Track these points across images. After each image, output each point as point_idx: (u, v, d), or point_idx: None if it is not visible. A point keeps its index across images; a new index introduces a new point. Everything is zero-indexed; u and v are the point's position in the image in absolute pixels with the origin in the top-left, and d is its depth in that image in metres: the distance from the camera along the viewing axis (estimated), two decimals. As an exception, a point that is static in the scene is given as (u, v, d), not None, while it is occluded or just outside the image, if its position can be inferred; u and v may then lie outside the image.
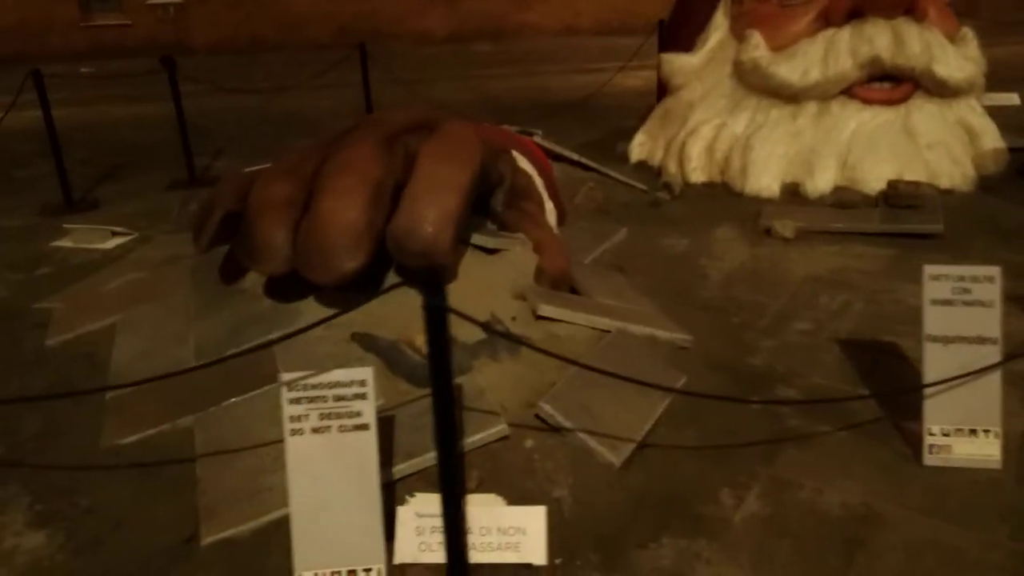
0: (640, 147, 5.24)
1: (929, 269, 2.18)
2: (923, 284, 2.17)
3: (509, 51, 14.26)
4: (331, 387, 1.77)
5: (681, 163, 4.77)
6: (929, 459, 2.16)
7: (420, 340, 2.48)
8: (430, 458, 2.07)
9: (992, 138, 4.64)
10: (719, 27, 4.90)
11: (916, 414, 2.21)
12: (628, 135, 6.14)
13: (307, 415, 1.77)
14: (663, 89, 5.42)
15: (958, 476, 2.10)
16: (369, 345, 2.56)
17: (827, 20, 4.49)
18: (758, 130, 4.56)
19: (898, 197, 4.06)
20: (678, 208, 4.41)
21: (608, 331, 2.69)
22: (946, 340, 2.16)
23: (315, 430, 1.77)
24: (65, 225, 4.23)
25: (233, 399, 2.44)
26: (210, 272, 3.19)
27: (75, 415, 2.47)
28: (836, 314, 3.11)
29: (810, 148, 4.44)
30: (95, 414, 2.45)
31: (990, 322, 2.16)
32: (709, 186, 4.69)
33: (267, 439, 2.20)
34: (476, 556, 1.86)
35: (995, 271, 2.17)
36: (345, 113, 7.92)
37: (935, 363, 2.16)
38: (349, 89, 7.79)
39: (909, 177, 4.27)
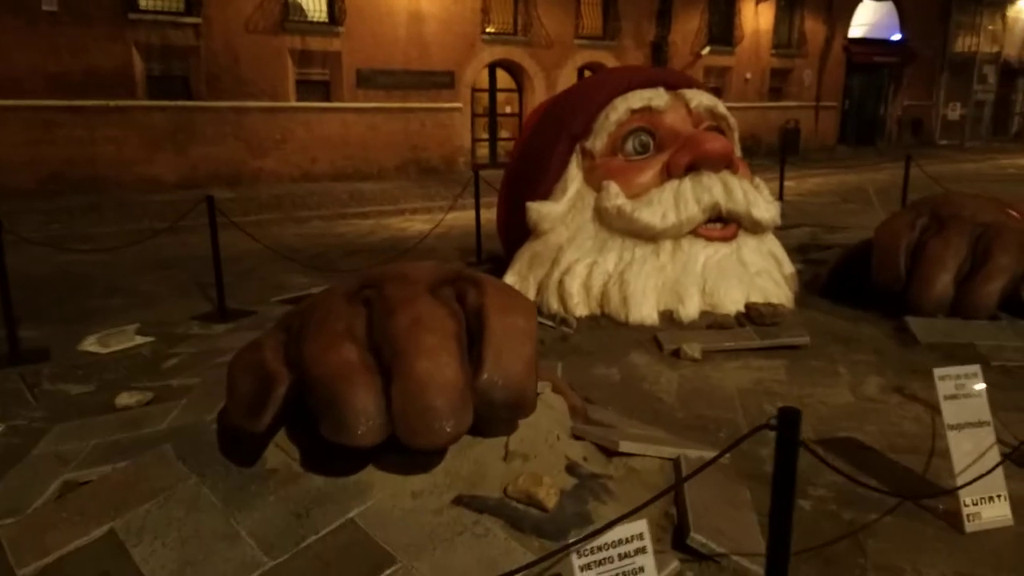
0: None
1: (938, 372, 2.75)
2: (936, 384, 2.73)
3: (255, 198, 13.96)
4: (614, 546, 1.75)
5: (563, 299, 5.17)
6: (969, 527, 2.65)
7: (542, 493, 2.45)
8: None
9: (788, 264, 5.74)
10: (575, 178, 5.51)
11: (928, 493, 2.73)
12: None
13: (598, 580, 1.72)
14: (513, 233, 5.88)
15: (998, 535, 2.62)
16: (480, 507, 2.46)
17: (669, 173, 5.30)
18: (628, 266, 5.15)
19: (761, 316, 4.83)
20: (581, 340, 4.76)
21: (669, 459, 2.88)
22: (959, 427, 2.72)
23: (608, 594, 1.72)
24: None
25: (359, 592, 2.17)
26: (205, 455, 2.80)
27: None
28: (790, 420, 3.61)
29: (674, 280, 5.11)
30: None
31: (982, 408, 2.77)
32: (593, 318, 5.12)
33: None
34: None
35: (976, 368, 2.80)
36: (151, 267, 7.23)
37: (958, 447, 2.69)
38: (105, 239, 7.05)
39: (752, 299, 5.11)
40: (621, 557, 1.74)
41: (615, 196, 5.24)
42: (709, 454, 2.99)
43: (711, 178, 5.22)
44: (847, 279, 5.65)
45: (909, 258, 5.02)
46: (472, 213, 9.31)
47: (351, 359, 2.47)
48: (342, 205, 13.11)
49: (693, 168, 5.24)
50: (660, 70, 7.00)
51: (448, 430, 2.37)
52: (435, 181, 16.49)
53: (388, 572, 2.22)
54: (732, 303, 5.06)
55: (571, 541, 1.69)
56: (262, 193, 14.57)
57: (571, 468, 2.72)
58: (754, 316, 4.88)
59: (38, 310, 5.59)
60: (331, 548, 2.33)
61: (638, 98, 5.46)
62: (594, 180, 5.45)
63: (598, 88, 5.72)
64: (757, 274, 5.32)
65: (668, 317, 5.04)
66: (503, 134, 19.29)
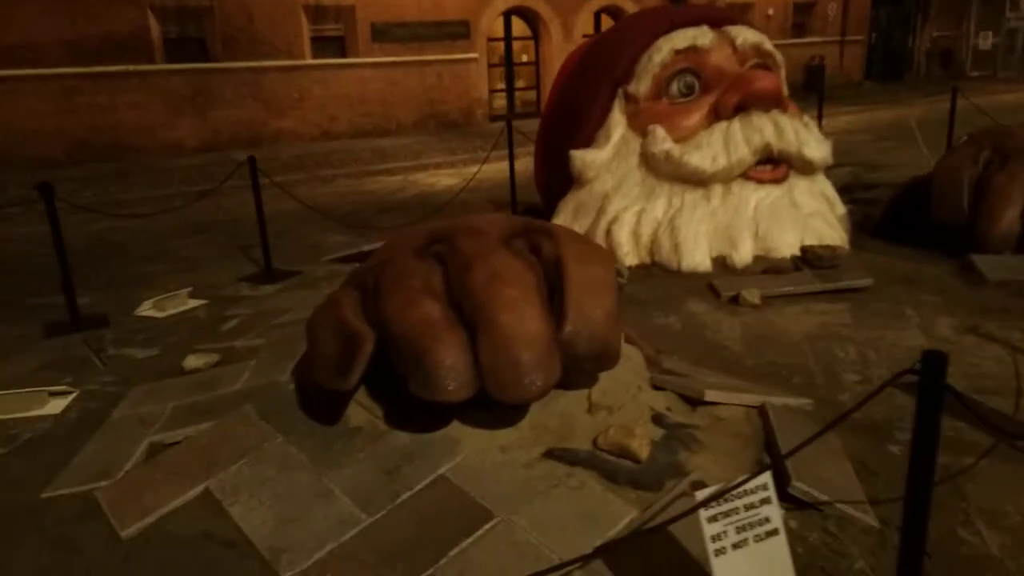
0: (558, 238, 5.47)
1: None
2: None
3: (277, 159, 13.84)
4: (740, 497, 1.70)
5: (612, 249, 5.08)
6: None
7: (635, 444, 2.41)
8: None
9: (840, 205, 5.60)
10: (618, 124, 5.37)
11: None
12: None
13: (726, 532, 1.68)
14: (552, 183, 5.78)
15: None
16: (572, 459, 2.43)
17: (716, 114, 5.16)
18: (679, 213, 5.05)
19: (819, 259, 4.73)
20: (635, 290, 4.69)
21: (753, 407, 2.83)
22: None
23: (735, 545, 1.68)
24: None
25: (461, 546, 2.14)
26: (287, 415, 2.79)
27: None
28: (863, 364, 3.54)
29: (726, 224, 5.00)
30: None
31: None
32: (643, 267, 5.04)
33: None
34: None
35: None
36: (187, 232, 7.22)
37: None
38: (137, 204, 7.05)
39: (807, 242, 5.00)
40: (747, 508, 1.70)
41: (662, 140, 5.11)
42: (793, 402, 2.95)
43: (761, 118, 5.07)
44: (902, 218, 5.51)
45: (972, 193, 4.87)
46: (499, 165, 9.19)
47: (434, 315, 2.43)
48: (365, 163, 12.99)
49: (742, 108, 5.10)
50: (703, 8, 6.77)
51: (539, 384, 2.33)
52: (455, 135, 16.29)
53: (488, 526, 2.20)
54: (787, 247, 4.95)
55: (708, 501, 1.64)
56: (283, 154, 14.45)
57: (657, 419, 2.68)
58: (811, 259, 4.77)
59: (85, 277, 5.57)
60: (427, 503, 2.31)
61: (682, 38, 5.29)
62: (638, 125, 5.32)
63: (639, 29, 5.55)
64: (810, 216, 5.20)
65: (721, 263, 4.95)
66: (519, 84, 18.96)
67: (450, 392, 2.33)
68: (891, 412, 3.05)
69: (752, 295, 4.35)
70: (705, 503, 1.65)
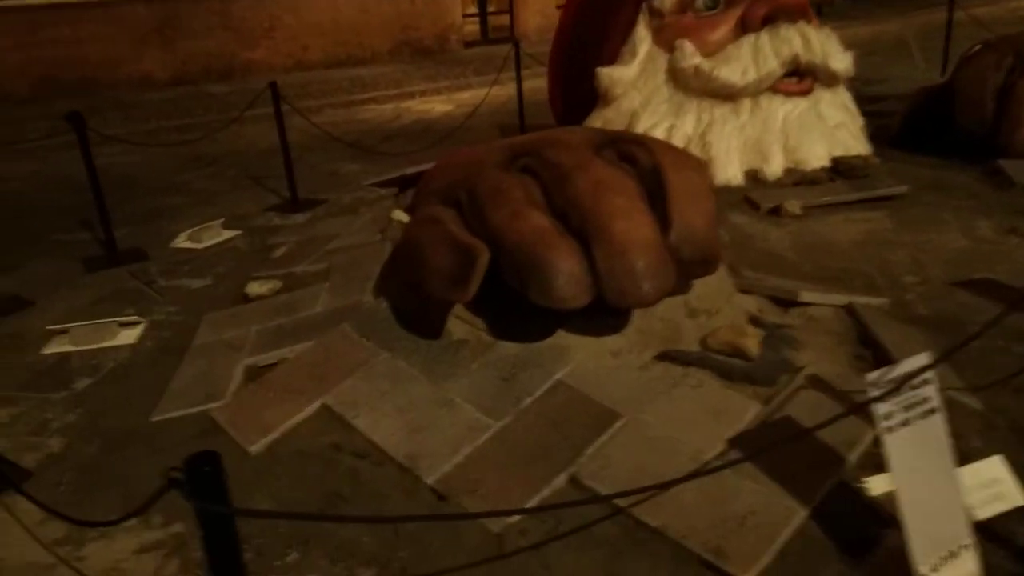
0: (585, 158, 5.46)
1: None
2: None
3: (254, 91, 13.38)
4: (904, 379, 1.78)
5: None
6: None
7: (748, 343, 2.49)
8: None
9: (859, 116, 5.65)
10: (644, 39, 5.31)
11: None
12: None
13: (893, 411, 1.76)
14: (571, 103, 5.73)
15: None
16: (685, 360, 2.50)
17: (744, 27, 5.12)
18: (709, 128, 5.06)
19: (852, 169, 4.81)
20: (673, 205, 4.72)
21: (842, 306, 2.92)
22: None
23: (902, 423, 1.77)
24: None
25: (596, 444, 2.21)
26: (386, 332, 2.81)
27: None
28: (916, 266, 3.65)
29: (756, 138, 5.04)
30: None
31: None
32: (675, 183, 5.06)
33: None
34: (980, 513, 2.00)
35: None
36: (192, 165, 7.03)
37: None
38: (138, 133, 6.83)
39: (835, 153, 5.07)
40: (910, 389, 1.78)
41: (691, 55, 5.08)
42: (874, 301, 3.05)
43: (789, 30, 5.05)
44: (922, 127, 5.58)
45: (996, 100, 4.95)
46: (495, 90, 9.05)
47: (543, 225, 2.44)
48: (347, 93, 12.66)
49: (770, 20, 5.06)
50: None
51: (656, 288, 2.37)
52: (431, 62, 15.93)
53: (618, 424, 2.27)
54: (816, 159, 5.02)
55: (894, 389, 1.71)
56: (259, 86, 13.98)
57: (754, 320, 2.76)
58: (844, 169, 4.85)
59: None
60: (551, 407, 2.37)
61: (707, -51, 5.20)
62: (664, 40, 5.26)
63: (664, -59, 5.42)
64: (836, 127, 5.25)
65: (752, 176, 5.01)
66: (491, 8, 18.51)
67: (571, 298, 2.36)
68: (957, 309, 3.18)
69: (793, 206, 4.42)
70: (890, 392, 1.72)
